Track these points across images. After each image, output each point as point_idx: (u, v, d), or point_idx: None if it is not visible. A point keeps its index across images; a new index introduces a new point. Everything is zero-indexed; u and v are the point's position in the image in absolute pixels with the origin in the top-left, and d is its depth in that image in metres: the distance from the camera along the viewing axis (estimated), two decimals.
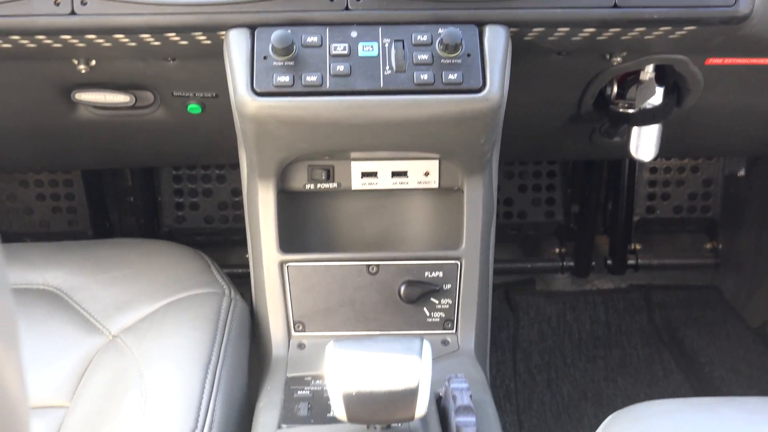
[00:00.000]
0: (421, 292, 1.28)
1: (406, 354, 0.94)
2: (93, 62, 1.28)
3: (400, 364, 0.93)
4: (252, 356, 1.31)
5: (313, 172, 1.30)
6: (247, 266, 1.38)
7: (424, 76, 1.11)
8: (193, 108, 1.40)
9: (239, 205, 2.20)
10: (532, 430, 2.06)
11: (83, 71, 1.28)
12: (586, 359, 2.27)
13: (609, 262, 2.30)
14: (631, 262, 2.29)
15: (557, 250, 2.33)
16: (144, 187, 2.20)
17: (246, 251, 1.41)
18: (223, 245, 2.20)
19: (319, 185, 1.30)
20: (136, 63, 1.29)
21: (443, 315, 1.30)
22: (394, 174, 1.30)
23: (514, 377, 2.17)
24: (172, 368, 1.12)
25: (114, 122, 1.44)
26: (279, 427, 1.04)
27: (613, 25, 1.15)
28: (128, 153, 1.69)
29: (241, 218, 2.20)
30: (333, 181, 1.30)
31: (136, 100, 1.38)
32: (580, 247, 2.30)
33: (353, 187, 1.30)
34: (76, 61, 1.27)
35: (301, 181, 1.30)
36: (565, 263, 2.31)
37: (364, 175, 1.30)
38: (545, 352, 2.29)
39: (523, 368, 2.23)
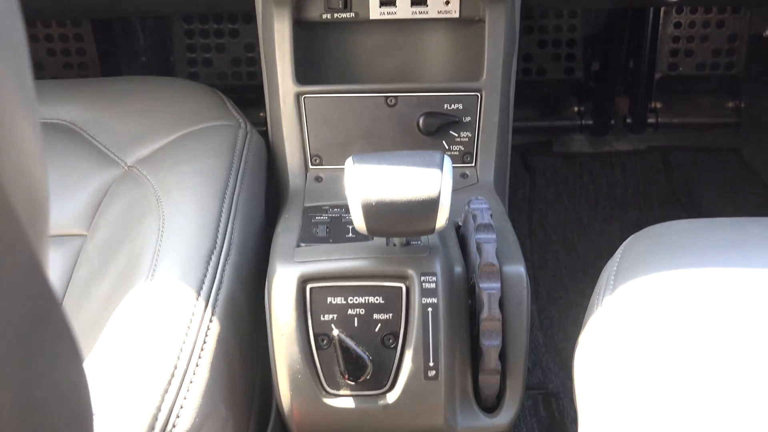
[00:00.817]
0: (440, 124, 1.25)
1: (427, 166, 0.92)
2: None
3: (420, 175, 0.91)
4: (268, 193, 1.30)
5: (329, 1, 1.26)
6: (263, 125, 1.36)
7: None
8: None
9: (253, 62, 2.16)
10: (547, 286, 2.07)
11: None
12: (602, 220, 2.26)
13: (628, 120, 2.26)
14: (651, 121, 2.25)
15: (576, 109, 2.28)
16: (156, 46, 2.16)
17: (261, 109, 1.39)
18: (236, 104, 2.17)
19: (336, 15, 1.26)
20: None
21: (462, 148, 1.27)
22: (414, 3, 1.26)
23: (530, 236, 2.17)
24: (188, 193, 1.11)
25: None
26: (298, 245, 1.04)
27: None
28: None
29: (254, 75, 2.17)
30: (350, 11, 1.26)
31: None
32: (600, 105, 2.25)
33: (371, 17, 1.26)
34: None
35: (317, 11, 1.26)
36: (583, 122, 2.27)
37: (383, 3, 1.26)
38: (561, 212, 2.28)
39: (539, 227, 2.23)
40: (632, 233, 2.15)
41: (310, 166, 1.27)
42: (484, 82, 1.26)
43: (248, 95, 2.18)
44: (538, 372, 1.91)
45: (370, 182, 0.91)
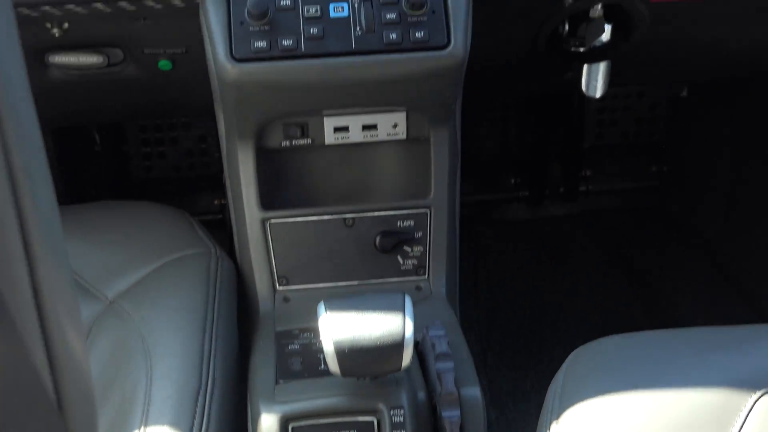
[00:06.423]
0: (395, 241, 1.36)
1: (391, 311, 1.03)
2: (66, 25, 1.31)
3: (386, 321, 1.02)
4: (238, 316, 1.38)
5: (288, 130, 1.34)
6: (216, 213, 1.44)
7: (393, 36, 1.17)
8: (164, 65, 1.43)
9: (206, 152, 2.25)
10: (496, 355, 2.17)
11: (57, 35, 1.31)
12: (542, 279, 2.39)
13: (561, 190, 2.40)
14: (582, 188, 2.39)
15: (512, 181, 2.41)
16: (113, 151, 2.23)
17: (215, 198, 1.46)
18: (191, 193, 2.24)
19: (294, 141, 1.35)
20: (109, 23, 1.32)
21: (415, 262, 1.38)
22: (365, 127, 1.35)
23: (476, 307, 2.28)
24: (172, 331, 1.18)
25: (85, 80, 1.46)
26: (277, 382, 1.13)
27: None
28: (98, 109, 1.72)
29: (207, 165, 2.26)
30: (307, 137, 1.35)
31: (108, 60, 1.41)
32: (534, 177, 2.39)
33: (326, 142, 1.35)
34: (49, 25, 1.30)
35: (277, 139, 1.35)
36: (520, 193, 2.40)
37: (337, 129, 1.34)
38: (503, 280, 2.40)
39: (485, 295, 2.34)
40: (570, 296, 2.27)
41: (278, 287, 1.37)
42: (432, 199, 1.37)
43: (200, 184, 2.27)
44: None
45: (341, 331, 1.01)
